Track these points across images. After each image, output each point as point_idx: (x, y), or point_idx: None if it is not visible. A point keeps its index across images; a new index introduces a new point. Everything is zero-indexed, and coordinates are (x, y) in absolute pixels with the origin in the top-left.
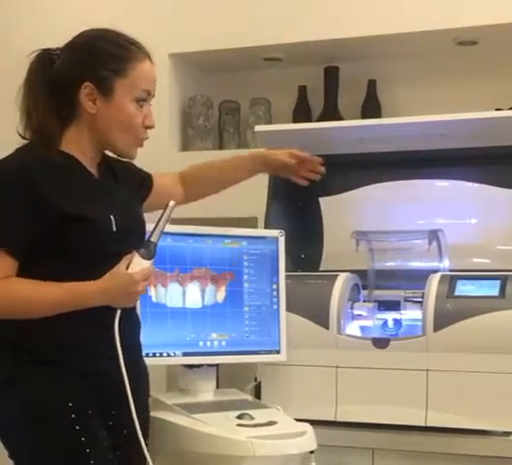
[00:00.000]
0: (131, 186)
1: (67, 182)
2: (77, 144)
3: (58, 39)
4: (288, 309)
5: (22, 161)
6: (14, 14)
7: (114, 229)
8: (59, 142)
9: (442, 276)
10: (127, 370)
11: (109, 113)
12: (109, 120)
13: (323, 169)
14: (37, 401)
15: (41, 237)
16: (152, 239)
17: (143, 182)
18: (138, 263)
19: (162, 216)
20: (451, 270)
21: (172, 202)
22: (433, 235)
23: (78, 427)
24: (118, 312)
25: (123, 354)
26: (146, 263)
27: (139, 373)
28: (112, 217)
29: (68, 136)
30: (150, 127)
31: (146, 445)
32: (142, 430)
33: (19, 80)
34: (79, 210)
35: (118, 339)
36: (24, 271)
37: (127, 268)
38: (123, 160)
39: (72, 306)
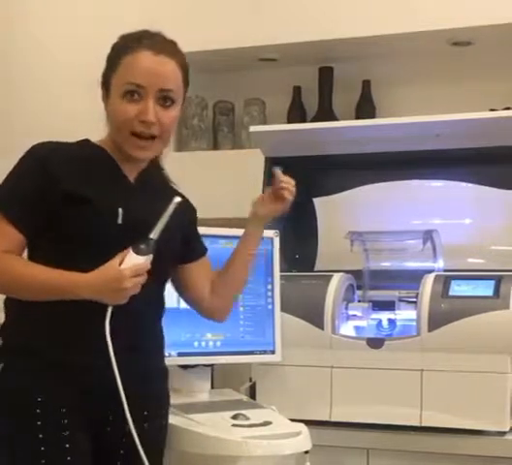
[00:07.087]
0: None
1: (84, 168)
2: (110, 143)
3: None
4: (283, 309)
5: (46, 144)
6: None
7: (120, 221)
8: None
9: (437, 276)
10: (129, 373)
11: (108, 111)
12: (109, 118)
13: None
14: (10, 399)
15: (45, 216)
16: (151, 236)
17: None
18: (131, 260)
19: (164, 213)
20: (445, 270)
21: (177, 199)
22: (428, 236)
23: (41, 436)
24: (110, 309)
25: (123, 354)
26: (141, 260)
27: (145, 377)
28: (119, 209)
29: (107, 135)
30: (144, 122)
31: (161, 453)
32: (155, 440)
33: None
34: (81, 191)
35: (109, 337)
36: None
37: (120, 264)
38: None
39: (60, 292)
